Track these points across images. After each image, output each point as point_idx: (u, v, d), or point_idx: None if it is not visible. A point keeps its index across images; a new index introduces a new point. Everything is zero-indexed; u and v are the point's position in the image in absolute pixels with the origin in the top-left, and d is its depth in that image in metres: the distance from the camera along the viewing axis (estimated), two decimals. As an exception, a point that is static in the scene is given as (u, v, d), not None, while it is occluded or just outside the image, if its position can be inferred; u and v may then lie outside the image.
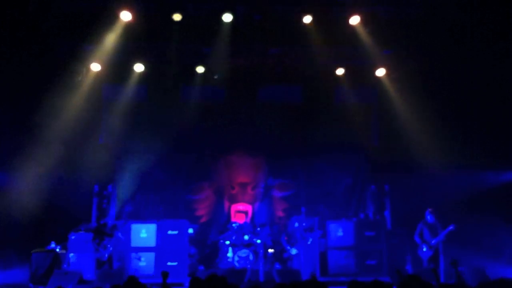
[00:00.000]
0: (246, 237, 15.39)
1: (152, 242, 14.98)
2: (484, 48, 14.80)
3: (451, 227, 13.44)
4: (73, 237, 14.29)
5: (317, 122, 17.07)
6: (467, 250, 14.32)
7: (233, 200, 17.37)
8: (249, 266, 14.76)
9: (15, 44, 15.06)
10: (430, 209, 14.05)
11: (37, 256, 14.17)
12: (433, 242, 13.73)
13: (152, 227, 15.07)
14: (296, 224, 15.33)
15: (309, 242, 14.86)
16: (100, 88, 16.94)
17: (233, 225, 15.97)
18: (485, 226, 15.09)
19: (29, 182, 15.82)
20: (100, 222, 14.86)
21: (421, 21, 15.14)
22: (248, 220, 16.75)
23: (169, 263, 14.78)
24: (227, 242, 15.37)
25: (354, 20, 14.86)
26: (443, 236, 13.62)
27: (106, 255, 13.97)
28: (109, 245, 13.90)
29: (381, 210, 16.84)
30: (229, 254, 15.20)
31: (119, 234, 14.21)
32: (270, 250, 15.32)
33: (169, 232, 15.03)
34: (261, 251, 14.23)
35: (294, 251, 15.11)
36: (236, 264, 15.02)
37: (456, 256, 13.45)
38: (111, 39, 15.35)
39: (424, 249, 13.85)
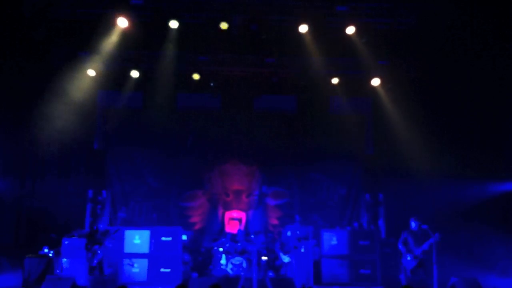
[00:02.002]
0: (239, 245, 15.36)
1: (145, 249, 14.91)
2: (479, 58, 14.94)
3: (435, 237, 13.32)
4: (66, 243, 14.22)
5: (312, 131, 17.14)
6: (460, 260, 14.35)
7: (228, 207, 17.35)
8: (242, 273, 14.69)
9: (11, 51, 15.11)
10: (414, 217, 14.00)
11: (30, 261, 14.06)
12: (417, 251, 13.66)
13: (145, 233, 15.01)
14: (289, 233, 15.32)
15: (302, 250, 14.84)
16: (96, 94, 16.96)
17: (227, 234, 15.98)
18: (478, 237, 15.14)
19: (23, 186, 15.83)
20: (93, 227, 14.76)
21: (416, 31, 15.27)
22: (242, 227, 16.71)
23: (162, 270, 14.77)
24: (221, 249, 15.32)
25: (350, 30, 14.95)
26: (428, 246, 13.54)
27: (95, 261, 13.86)
28: (99, 251, 13.82)
29: (375, 219, 16.87)
30: (223, 262, 15.13)
31: (107, 242, 14.06)
32: (264, 258, 15.28)
33: (163, 238, 14.97)
34: (255, 258, 14.17)
35: (286, 259, 15.08)
36: (230, 271, 14.96)
37: (449, 266, 13.62)
38: (107, 45, 15.39)
39: (408, 258, 13.78)
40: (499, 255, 15.02)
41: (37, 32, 15.09)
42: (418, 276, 13.61)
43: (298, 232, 15.16)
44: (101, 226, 14.15)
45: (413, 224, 13.88)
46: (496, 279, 14.22)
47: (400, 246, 13.91)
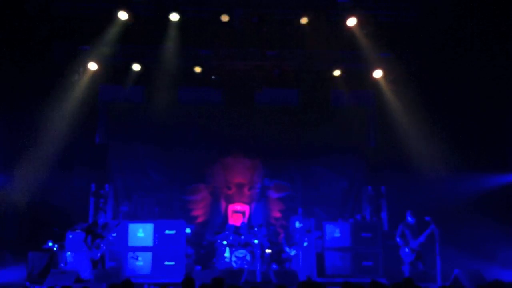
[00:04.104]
0: (243, 238, 15.41)
1: (149, 242, 14.93)
2: (482, 51, 14.94)
3: (432, 227, 13.43)
4: (70, 236, 14.27)
5: (314, 124, 17.11)
6: (462, 252, 14.38)
7: (230, 200, 17.42)
8: (246, 266, 14.76)
9: (13, 45, 15.08)
10: (411, 211, 14.08)
11: (34, 255, 14.15)
12: (415, 244, 13.74)
13: (149, 227, 15.03)
14: (297, 224, 15.36)
15: (304, 244, 14.90)
16: (97, 88, 16.97)
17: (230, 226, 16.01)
18: (480, 229, 15.16)
19: (26, 181, 15.81)
20: (92, 221, 14.81)
21: (418, 24, 15.27)
22: (245, 220, 16.76)
23: (166, 263, 14.80)
24: (224, 242, 15.37)
25: (351, 22, 14.92)
26: (424, 238, 13.63)
27: (99, 254, 13.88)
28: (102, 244, 13.83)
29: (377, 211, 16.93)
30: (226, 254, 15.20)
31: (109, 236, 14.05)
32: (267, 251, 15.33)
33: (167, 232, 14.99)
34: (258, 251, 14.24)
35: (293, 252, 15.13)
36: (233, 264, 15.02)
37: (452, 258, 13.66)
38: (108, 40, 15.36)
39: (406, 250, 13.87)
40: (501, 247, 15.08)
41: (39, 27, 15.08)
42: (417, 269, 13.70)
43: (301, 225, 15.22)
44: (101, 220, 14.13)
45: (409, 218, 13.97)
46: (498, 270, 14.26)
47: (398, 240, 14.02)
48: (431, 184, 15.86)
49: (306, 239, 14.97)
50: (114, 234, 14.11)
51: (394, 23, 15.37)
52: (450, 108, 16.07)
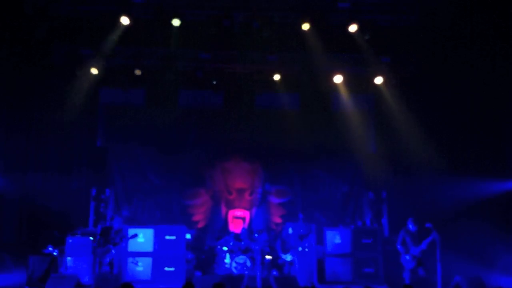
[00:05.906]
0: (243, 243, 15.39)
1: (149, 247, 14.90)
2: (482, 55, 14.92)
3: (433, 235, 13.42)
4: (70, 241, 14.23)
5: (314, 128, 17.04)
6: (463, 258, 14.36)
7: (231, 205, 17.36)
8: (246, 272, 14.73)
9: (12, 48, 15.03)
10: (412, 218, 14.05)
11: (34, 259, 14.12)
12: (416, 251, 13.72)
13: (149, 232, 15.00)
14: (290, 231, 15.35)
15: (300, 249, 14.90)
16: (98, 92, 16.93)
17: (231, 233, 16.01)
18: (481, 234, 15.16)
19: (26, 184, 15.81)
20: (106, 224, 14.79)
21: (419, 28, 15.26)
22: (246, 226, 16.74)
23: (166, 269, 14.78)
24: (225, 248, 15.35)
25: (352, 27, 14.91)
26: (426, 245, 13.60)
27: (108, 259, 13.88)
28: (113, 250, 13.83)
29: (378, 217, 16.91)
30: (227, 260, 15.18)
31: (122, 242, 14.04)
32: (268, 257, 15.31)
33: (167, 237, 14.97)
34: (259, 257, 14.22)
35: (289, 257, 15.12)
36: (234, 270, 15.00)
37: (452, 264, 13.65)
38: (109, 43, 15.33)
39: (407, 257, 13.84)
40: (502, 253, 15.06)
41: (39, 29, 15.04)
42: (418, 275, 13.68)
43: (301, 230, 15.20)
44: (116, 224, 14.14)
45: (410, 226, 13.94)
46: (498, 277, 14.26)
47: (398, 247, 13.97)
48: (432, 189, 15.88)
49: (306, 244, 14.97)
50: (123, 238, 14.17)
51: (395, 28, 15.35)
52: (450, 113, 16.08)
